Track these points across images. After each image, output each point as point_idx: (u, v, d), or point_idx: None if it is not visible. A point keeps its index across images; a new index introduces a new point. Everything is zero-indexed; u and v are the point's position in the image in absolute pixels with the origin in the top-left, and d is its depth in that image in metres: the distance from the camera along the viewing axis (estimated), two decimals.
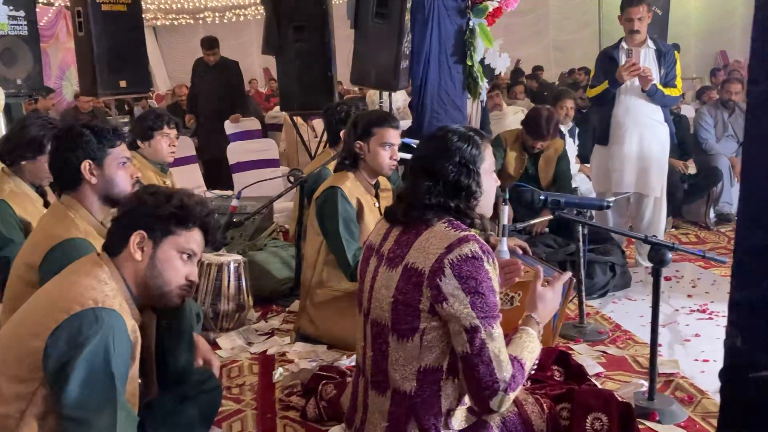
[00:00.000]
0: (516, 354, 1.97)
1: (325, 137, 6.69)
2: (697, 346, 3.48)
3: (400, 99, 8.24)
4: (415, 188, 2.05)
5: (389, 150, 3.31)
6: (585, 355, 3.30)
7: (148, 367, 2.10)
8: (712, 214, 6.00)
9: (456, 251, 1.89)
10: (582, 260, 3.47)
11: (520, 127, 4.73)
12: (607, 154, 4.77)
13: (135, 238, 1.92)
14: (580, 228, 3.34)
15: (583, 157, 6.10)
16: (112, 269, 1.93)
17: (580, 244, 3.38)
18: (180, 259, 1.97)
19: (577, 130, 6.35)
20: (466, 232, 1.95)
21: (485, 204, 2.10)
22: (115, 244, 1.96)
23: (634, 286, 4.43)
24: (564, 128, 5.96)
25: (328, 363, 3.17)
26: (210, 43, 7.52)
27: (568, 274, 2.31)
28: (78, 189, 2.44)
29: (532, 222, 3.45)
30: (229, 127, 7.43)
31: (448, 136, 2.06)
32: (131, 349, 1.87)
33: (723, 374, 1.92)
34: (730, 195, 5.95)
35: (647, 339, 3.55)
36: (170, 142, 4.05)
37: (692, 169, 6.18)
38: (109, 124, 2.53)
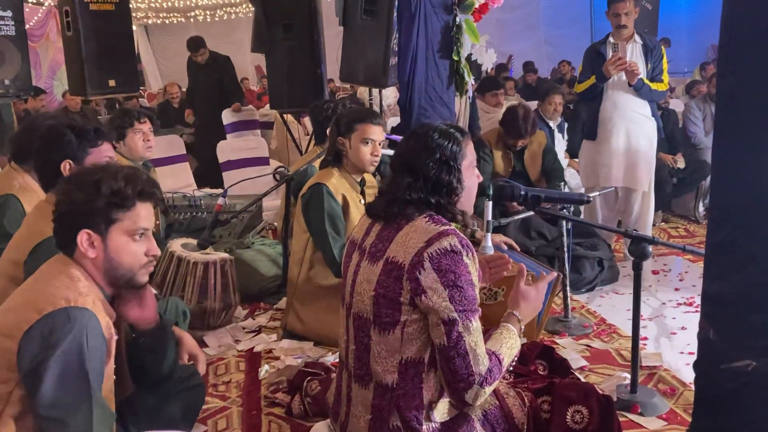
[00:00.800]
0: (494, 349, 1.99)
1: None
2: (683, 338, 3.51)
3: (390, 96, 8.23)
4: (396, 184, 2.07)
5: (370, 146, 3.33)
6: (569, 349, 3.33)
7: (119, 364, 2.09)
8: (701, 208, 6.03)
9: (435, 245, 1.91)
10: (567, 255, 3.49)
11: (498, 126, 4.76)
12: (595, 149, 4.79)
13: (81, 239, 1.91)
14: (564, 223, 3.36)
15: (572, 152, 6.13)
16: (78, 267, 1.93)
17: (564, 238, 3.40)
18: (133, 242, 1.95)
19: (565, 126, 6.37)
20: (446, 227, 1.97)
21: (466, 200, 2.12)
22: (65, 246, 1.95)
23: (621, 281, 4.46)
24: (552, 123, 5.98)
25: (313, 359, 3.19)
26: (195, 45, 7.52)
27: (554, 274, 2.33)
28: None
29: (516, 217, 3.48)
30: (228, 116, 7.43)
31: (429, 133, 2.09)
32: (106, 347, 1.87)
33: (696, 366, 1.95)
34: None
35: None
36: (144, 137, 3.98)
37: (681, 163, 6.21)
38: (92, 123, 2.53)
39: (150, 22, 16.13)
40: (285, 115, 7.12)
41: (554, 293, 3.43)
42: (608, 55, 4.52)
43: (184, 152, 6.87)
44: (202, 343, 3.50)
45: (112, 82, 6.23)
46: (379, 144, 3.37)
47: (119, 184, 1.93)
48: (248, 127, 7.61)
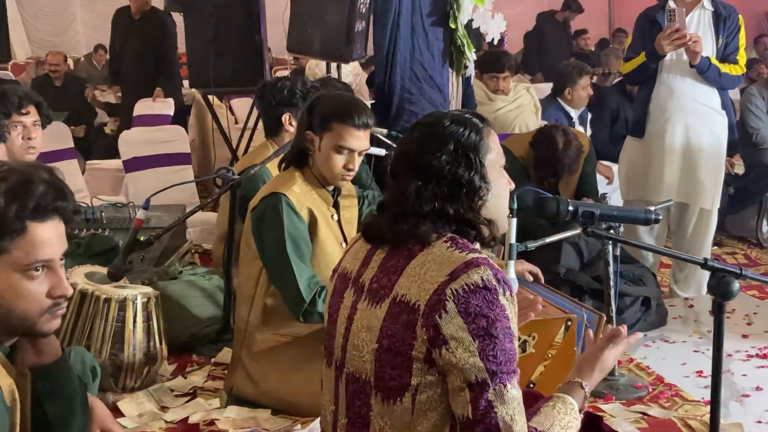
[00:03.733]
0: (542, 428, 1.96)
1: (253, 124, 6.71)
2: (759, 402, 3.54)
3: (349, 73, 8.24)
4: (401, 193, 2.04)
5: (345, 157, 3.28)
6: (620, 419, 3.34)
7: None
8: (765, 227, 6.13)
9: (461, 279, 1.88)
10: (613, 290, 3.50)
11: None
12: (642, 148, 4.84)
13: None
14: (610, 247, 3.36)
15: (597, 152, 6.17)
16: None
17: (610, 268, 3.41)
18: (28, 279, 1.86)
19: (589, 116, 6.42)
20: (476, 254, 1.94)
21: (496, 208, 2.10)
22: None
23: (670, 324, 4.50)
24: (574, 113, 6.04)
25: None
26: None
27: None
28: None
29: (551, 239, 3.46)
30: (140, 107, 7.38)
31: (439, 120, 2.09)
32: (9, 420, 1.83)
33: None
34: None
35: (696, 394, 3.63)
36: (25, 133, 3.86)
37: (739, 168, 6.31)
38: None
39: None
40: (210, 98, 7.05)
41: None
42: (665, 26, 4.52)
43: (71, 145, 6.74)
44: (116, 412, 3.41)
45: None
46: (359, 154, 3.33)
47: (4, 193, 1.82)
48: (158, 122, 7.56)
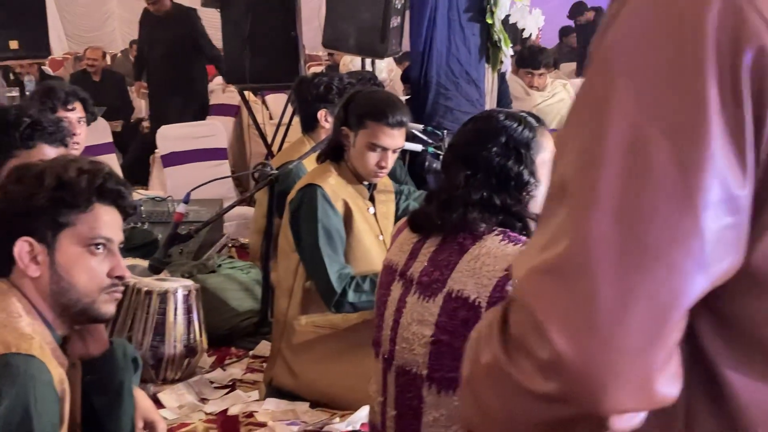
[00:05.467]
0: None
1: (288, 120, 6.73)
2: None
3: (384, 69, 8.22)
4: (449, 182, 2.07)
5: (378, 154, 3.30)
6: None
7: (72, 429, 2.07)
8: None
9: None
10: None
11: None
12: None
13: (20, 249, 1.89)
14: None
15: None
16: (19, 296, 1.91)
17: None
18: (91, 255, 1.93)
19: None
20: None
21: None
22: (0, 264, 1.94)
23: None
24: None
25: (315, 428, 3.15)
26: None
27: None
28: None
29: None
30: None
31: (492, 114, 2.13)
32: (59, 408, 1.85)
33: None
34: None
35: None
36: (70, 130, 3.90)
37: None
38: (29, 113, 2.50)
39: None
40: (246, 94, 7.08)
41: None
42: None
43: (110, 140, 6.81)
44: (157, 403, 3.42)
45: (14, 44, 6.17)
46: (393, 152, 3.35)
47: (70, 174, 1.91)
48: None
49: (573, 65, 11.09)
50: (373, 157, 3.30)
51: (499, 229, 2.01)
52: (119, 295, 2.02)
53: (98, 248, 1.94)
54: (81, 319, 2.00)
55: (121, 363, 2.65)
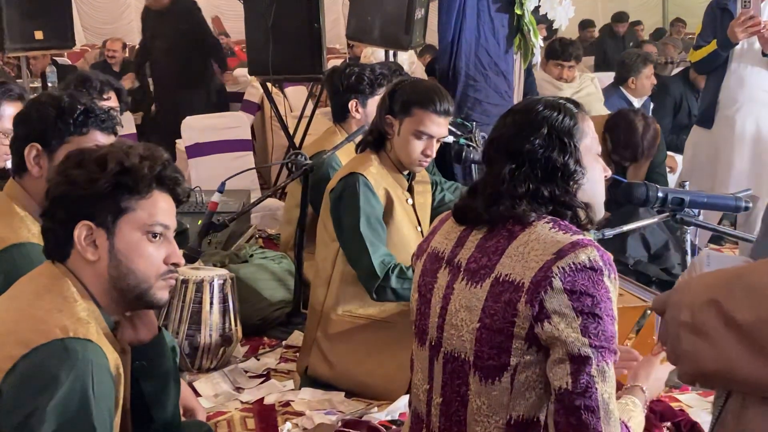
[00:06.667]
0: (624, 419, 1.97)
1: (311, 113, 6.74)
2: None
3: (405, 61, 8.21)
4: (494, 176, 2.05)
5: (424, 142, 3.29)
6: (697, 409, 3.30)
7: (122, 418, 2.07)
8: None
9: (569, 258, 1.88)
10: None
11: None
12: (710, 139, 4.79)
13: (80, 233, 1.90)
14: (689, 236, 3.32)
15: None
16: (74, 280, 1.92)
17: (688, 257, 3.37)
18: (149, 241, 1.95)
19: (651, 105, 6.37)
20: (580, 236, 1.94)
21: (592, 193, 2.10)
22: (57, 247, 1.95)
23: None
24: (636, 102, 5.98)
25: (353, 416, 3.15)
26: None
27: None
28: (23, 177, 2.47)
29: (629, 227, 3.41)
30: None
31: (531, 105, 2.10)
32: (115, 392, 1.87)
33: None
34: None
35: None
36: None
37: None
38: (81, 101, 2.51)
39: None
40: (267, 85, 7.07)
41: None
42: (737, 13, 4.48)
43: (134, 131, 6.83)
44: (193, 391, 3.43)
45: (39, 34, 6.18)
46: (438, 141, 3.34)
47: (132, 160, 1.93)
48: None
49: (591, 59, 11.07)
50: (418, 145, 3.29)
51: (550, 217, 2.00)
52: (174, 282, 2.04)
53: (155, 236, 1.95)
54: (136, 305, 2.02)
55: (169, 350, 2.68)
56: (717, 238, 5.20)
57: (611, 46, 11.44)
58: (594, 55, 11.28)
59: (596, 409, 1.84)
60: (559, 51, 6.07)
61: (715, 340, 1.05)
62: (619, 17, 12.09)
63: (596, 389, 1.84)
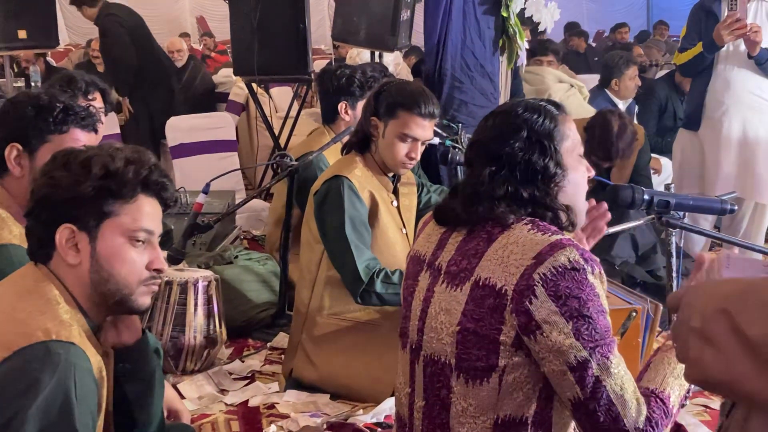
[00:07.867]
0: (653, 386, 1.95)
1: (296, 114, 6.73)
2: None
3: (390, 63, 8.22)
4: (475, 177, 2.05)
5: (408, 145, 3.29)
6: (683, 411, 3.30)
7: (106, 419, 2.07)
8: None
9: (548, 262, 1.87)
10: (675, 281, 3.46)
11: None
12: (697, 142, 4.80)
13: (61, 236, 1.88)
14: (674, 238, 3.33)
15: None
16: (57, 283, 1.90)
17: (673, 260, 3.38)
18: (132, 246, 1.92)
19: (636, 108, 6.39)
20: (558, 235, 1.93)
21: (573, 195, 2.09)
22: (40, 249, 1.93)
23: None
24: (622, 104, 6.00)
25: (338, 418, 3.14)
26: None
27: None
28: (4, 177, 2.47)
29: (617, 228, 3.41)
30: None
31: (512, 108, 2.09)
32: (97, 395, 1.86)
33: None
34: None
35: None
36: None
37: None
38: (60, 99, 2.50)
39: None
40: (252, 85, 7.05)
41: (654, 331, 3.40)
42: (722, 15, 4.50)
43: (118, 131, 6.80)
44: (178, 393, 3.42)
45: (22, 33, 6.15)
46: (423, 144, 3.34)
47: (117, 164, 1.91)
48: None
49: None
50: (403, 148, 3.28)
51: (528, 218, 2.00)
52: (156, 288, 2.02)
53: (139, 241, 1.93)
54: (117, 310, 2.00)
55: (152, 352, 2.67)
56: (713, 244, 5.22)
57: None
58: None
59: (612, 404, 1.85)
60: (537, 49, 6.15)
61: (723, 352, 1.05)
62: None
63: (604, 387, 1.85)
